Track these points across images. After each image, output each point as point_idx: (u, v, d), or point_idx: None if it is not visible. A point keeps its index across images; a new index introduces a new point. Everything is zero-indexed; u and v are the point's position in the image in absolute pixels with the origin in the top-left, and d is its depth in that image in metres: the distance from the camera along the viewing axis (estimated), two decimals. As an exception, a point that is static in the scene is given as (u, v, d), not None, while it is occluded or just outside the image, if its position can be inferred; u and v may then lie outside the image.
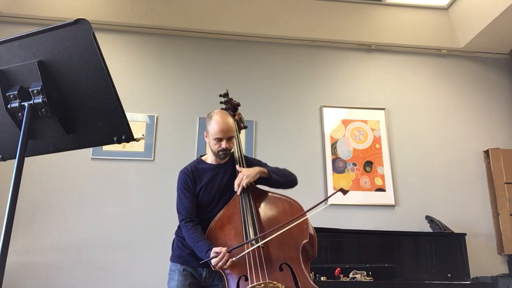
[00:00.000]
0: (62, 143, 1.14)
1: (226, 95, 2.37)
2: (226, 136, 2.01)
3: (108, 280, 3.46)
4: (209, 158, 2.14)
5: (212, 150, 2.08)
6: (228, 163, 2.14)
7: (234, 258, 1.79)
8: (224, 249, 1.78)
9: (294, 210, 1.89)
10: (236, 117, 2.31)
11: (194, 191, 2.05)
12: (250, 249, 1.79)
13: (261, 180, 2.03)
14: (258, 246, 1.79)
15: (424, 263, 3.41)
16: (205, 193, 2.05)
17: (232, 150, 2.13)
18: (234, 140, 2.11)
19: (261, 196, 2.00)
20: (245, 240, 1.83)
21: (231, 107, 2.35)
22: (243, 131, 3.81)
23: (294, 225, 1.82)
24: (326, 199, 1.90)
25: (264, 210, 1.95)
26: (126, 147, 3.79)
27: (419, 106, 4.26)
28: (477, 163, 4.12)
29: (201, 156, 2.21)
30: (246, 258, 1.80)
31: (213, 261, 1.78)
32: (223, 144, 2.01)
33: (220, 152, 2.05)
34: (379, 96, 4.25)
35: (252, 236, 1.82)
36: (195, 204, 2.03)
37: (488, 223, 3.93)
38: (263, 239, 1.79)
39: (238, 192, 1.97)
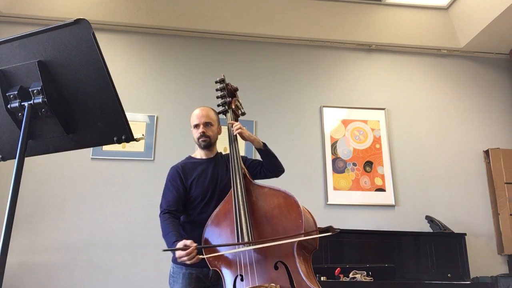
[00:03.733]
0: (62, 143, 1.14)
1: (222, 81, 2.25)
2: (202, 121, 2.12)
3: (108, 280, 3.46)
4: (198, 154, 2.21)
5: (195, 142, 2.18)
6: (218, 158, 2.19)
7: (201, 257, 1.77)
8: (194, 245, 1.75)
9: (289, 204, 1.82)
10: (232, 104, 2.23)
11: (182, 187, 2.07)
12: (241, 249, 1.76)
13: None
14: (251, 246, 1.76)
15: (424, 263, 3.41)
16: (198, 185, 2.07)
17: (217, 144, 2.19)
18: (213, 129, 2.15)
19: (255, 190, 1.94)
20: (237, 238, 1.81)
21: (228, 93, 2.24)
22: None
23: (289, 221, 1.77)
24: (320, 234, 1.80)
25: (258, 205, 1.89)
26: (126, 147, 3.79)
27: (419, 106, 4.27)
28: (477, 163, 4.12)
29: (190, 155, 2.26)
30: (241, 258, 1.78)
31: (178, 253, 1.75)
32: (200, 129, 2.11)
33: (200, 140, 2.12)
34: (379, 96, 4.25)
35: (245, 234, 1.79)
36: (178, 200, 2.05)
37: (488, 223, 3.93)
38: (254, 243, 1.75)
39: (235, 132, 2.06)
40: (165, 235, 1.91)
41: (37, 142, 1.14)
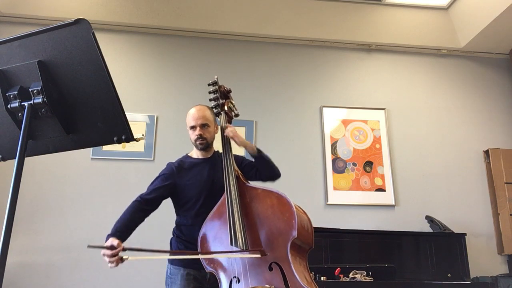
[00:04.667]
0: (62, 143, 1.14)
1: (215, 83, 2.23)
2: (198, 122, 2.09)
3: (108, 280, 3.46)
4: (195, 153, 2.20)
5: (192, 143, 2.16)
6: (215, 158, 2.17)
7: (125, 257, 1.69)
8: (121, 247, 1.69)
9: (282, 204, 1.81)
10: (225, 106, 2.19)
11: (171, 183, 2.06)
12: (234, 255, 1.77)
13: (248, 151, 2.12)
14: (243, 250, 1.75)
15: (424, 263, 3.41)
16: (192, 187, 2.06)
17: (212, 144, 2.18)
18: (210, 130, 2.13)
19: (249, 192, 1.93)
20: (230, 241, 1.81)
21: (221, 95, 2.21)
22: (242, 129, 3.83)
23: (282, 222, 1.77)
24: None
25: (252, 206, 1.88)
26: (126, 147, 3.79)
27: (419, 106, 4.27)
28: (477, 163, 4.12)
29: (187, 154, 2.24)
30: (235, 260, 1.78)
31: (102, 252, 1.68)
32: (197, 131, 2.09)
33: (197, 142, 2.11)
34: (379, 96, 4.25)
35: (238, 237, 1.78)
36: (160, 192, 2.03)
37: (488, 223, 3.93)
38: (248, 246, 1.76)
39: (229, 135, 2.04)
40: (116, 222, 1.88)
41: (37, 142, 1.14)
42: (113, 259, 1.67)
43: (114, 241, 1.71)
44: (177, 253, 1.84)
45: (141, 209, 1.97)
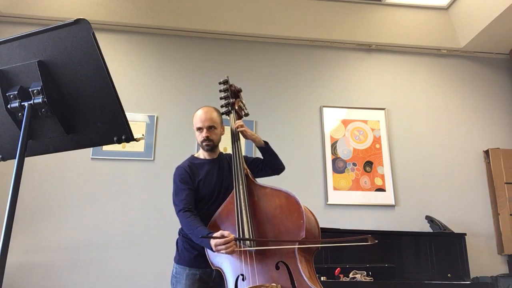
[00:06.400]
0: (62, 143, 1.14)
1: (226, 82, 2.28)
2: (205, 125, 2.09)
3: (108, 280, 3.46)
4: (201, 154, 2.20)
5: (198, 143, 2.16)
6: (222, 160, 2.18)
7: (238, 249, 1.77)
8: (232, 236, 1.72)
9: (290, 204, 1.82)
10: (235, 105, 2.24)
11: (192, 185, 2.04)
12: (243, 248, 1.78)
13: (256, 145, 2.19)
14: (251, 247, 1.77)
15: (424, 263, 3.41)
16: (205, 186, 2.05)
17: (219, 142, 2.18)
18: (217, 132, 2.13)
19: (257, 190, 1.94)
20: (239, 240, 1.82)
21: (231, 94, 2.26)
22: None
23: (290, 222, 1.78)
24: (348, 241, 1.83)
25: (260, 205, 1.89)
26: (126, 147, 3.79)
27: (419, 106, 4.27)
28: (477, 163, 4.12)
29: (193, 155, 2.24)
30: (243, 257, 1.79)
31: (215, 242, 1.71)
32: (204, 133, 2.09)
33: (203, 143, 2.11)
34: (379, 96, 4.25)
35: (246, 235, 1.79)
36: (192, 197, 2.00)
37: (488, 223, 3.93)
38: (257, 244, 1.76)
39: (239, 129, 2.10)
40: (193, 230, 1.85)
41: (37, 142, 1.14)
42: (229, 244, 1.71)
43: (224, 232, 1.74)
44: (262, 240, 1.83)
45: (194, 213, 1.95)
